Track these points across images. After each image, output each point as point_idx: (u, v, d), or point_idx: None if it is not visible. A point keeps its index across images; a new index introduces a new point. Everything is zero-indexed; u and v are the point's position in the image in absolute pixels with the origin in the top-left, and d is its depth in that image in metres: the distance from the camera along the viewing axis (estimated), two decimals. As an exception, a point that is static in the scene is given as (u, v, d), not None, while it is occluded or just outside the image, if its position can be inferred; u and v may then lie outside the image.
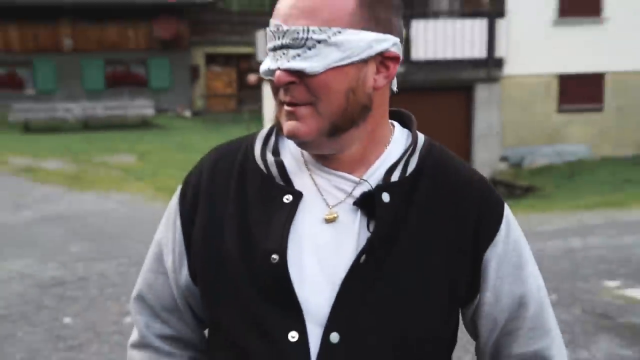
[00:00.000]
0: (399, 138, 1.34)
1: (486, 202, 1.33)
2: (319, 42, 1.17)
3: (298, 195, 1.26)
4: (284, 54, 1.20)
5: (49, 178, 14.87)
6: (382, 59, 1.23)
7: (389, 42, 1.23)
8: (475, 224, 1.30)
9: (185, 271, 1.37)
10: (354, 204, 1.26)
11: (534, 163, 15.05)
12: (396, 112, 1.39)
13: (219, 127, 23.35)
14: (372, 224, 1.25)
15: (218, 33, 28.16)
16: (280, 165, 1.30)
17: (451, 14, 15.37)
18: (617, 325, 6.03)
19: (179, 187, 1.41)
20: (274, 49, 1.22)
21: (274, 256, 1.22)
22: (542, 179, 13.71)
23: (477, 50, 14.18)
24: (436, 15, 15.08)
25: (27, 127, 23.14)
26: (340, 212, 1.26)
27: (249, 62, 24.13)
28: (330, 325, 1.22)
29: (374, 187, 1.27)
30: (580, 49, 15.50)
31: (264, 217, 1.27)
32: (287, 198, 1.26)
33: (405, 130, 1.37)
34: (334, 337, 1.21)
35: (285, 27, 1.19)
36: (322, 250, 1.25)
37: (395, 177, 1.28)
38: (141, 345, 1.44)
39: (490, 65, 14.15)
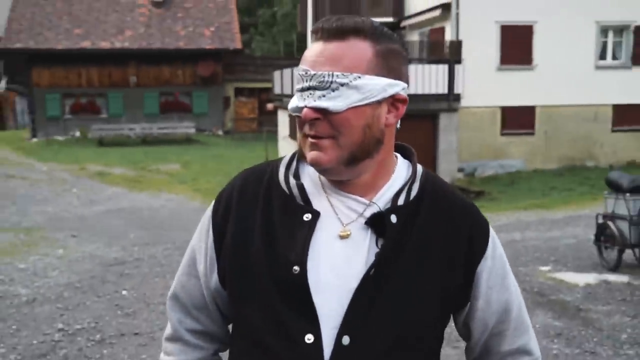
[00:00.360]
0: (401, 167, 1.23)
1: (476, 223, 1.22)
2: (341, 85, 1.08)
3: (316, 214, 1.15)
4: (310, 94, 1.10)
5: (115, 181, 14.73)
6: (393, 100, 1.14)
7: (399, 87, 1.13)
8: (468, 241, 1.19)
9: (215, 276, 1.23)
10: (365, 223, 1.15)
11: (483, 173, 14.97)
12: (399, 145, 1.26)
13: (244, 143, 23.37)
14: (380, 241, 1.14)
15: (245, 72, 28.25)
16: (301, 188, 1.18)
17: (421, 60, 15.21)
18: (549, 301, 5.85)
19: (212, 203, 1.27)
20: (302, 90, 1.12)
21: (296, 267, 1.11)
22: (490, 185, 13.59)
23: (440, 87, 14.09)
24: (410, 61, 14.89)
25: (101, 142, 23.08)
26: (353, 230, 1.15)
27: (267, 94, 24.15)
28: (343, 329, 1.10)
29: (382, 209, 1.15)
30: (517, 88, 15.40)
31: (287, 231, 1.15)
32: (307, 216, 1.14)
33: (406, 161, 1.25)
34: (346, 339, 1.10)
35: (312, 72, 1.10)
36: (336, 262, 1.13)
37: (401, 201, 1.16)
38: (174, 338, 1.30)
39: (450, 99, 14.03)
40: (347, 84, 1.07)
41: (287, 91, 16.37)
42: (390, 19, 19.04)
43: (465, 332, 1.27)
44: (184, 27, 27.01)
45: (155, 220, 10.17)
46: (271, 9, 38.78)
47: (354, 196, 1.16)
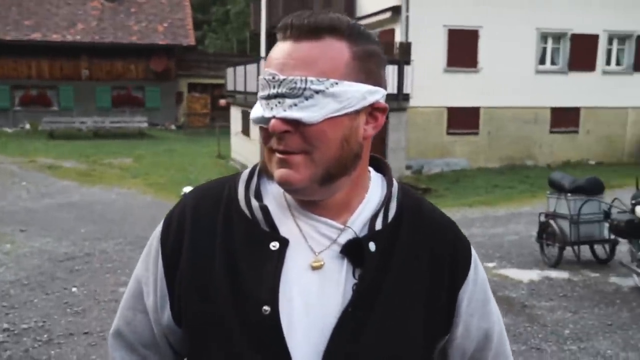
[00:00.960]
0: (375, 183, 1.04)
1: (458, 245, 1.06)
2: (316, 92, 0.89)
3: (284, 242, 0.95)
4: (279, 102, 0.90)
5: (66, 174, 14.17)
6: (372, 110, 0.95)
7: (379, 94, 0.95)
8: (450, 265, 1.03)
9: (167, 312, 1.03)
10: (341, 252, 0.96)
11: (430, 171, 15.05)
12: (370, 157, 1.06)
13: (197, 138, 22.89)
14: (357, 271, 0.95)
15: (198, 68, 27.83)
16: (265, 211, 0.97)
17: (371, 60, 15.21)
18: (496, 298, 5.83)
19: (159, 229, 1.05)
20: (268, 97, 0.91)
21: (266, 308, 0.92)
22: (436, 183, 13.65)
23: (390, 87, 14.05)
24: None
25: (52, 135, 22.19)
26: (326, 259, 0.96)
27: (220, 90, 23.78)
28: None
29: (358, 233, 0.97)
30: (462, 89, 15.52)
31: (252, 264, 0.95)
32: (274, 245, 0.95)
33: (379, 175, 1.07)
34: None
35: (281, 77, 0.90)
36: (309, 298, 0.94)
37: (379, 224, 0.98)
38: None
39: (399, 99, 14.01)
40: (323, 91, 0.89)
41: (240, 88, 16.11)
42: (341, 20, 18.97)
43: (441, 359, 1.11)
44: (137, 22, 26.40)
45: (106, 215, 9.79)
46: (224, 6, 38.24)
47: (325, 219, 0.97)
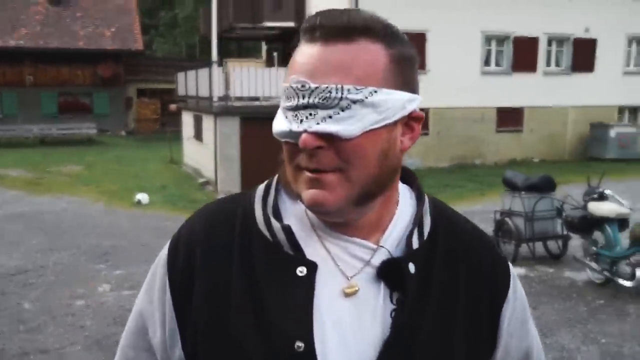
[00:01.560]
0: (405, 196, 0.93)
1: (497, 259, 0.95)
2: (354, 102, 0.77)
3: (312, 267, 0.83)
4: (311, 114, 0.78)
5: (12, 184, 13.55)
6: (408, 119, 0.84)
7: (417, 102, 0.84)
8: (489, 283, 0.92)
9: (178, 350, 0.88)
10: (377, 275, 0.84)
11: (383, 172, 15.08)
12: None
13: (147, 144, 22.39)
14: (395, 295, 0.84)
15: (147, 73, 27.23)
16: (288, 232, 0.85)
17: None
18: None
19: (164, 256, 0.91)
20: (296, 108, 0.79)
21: (299, 344, 0.79)
22: (389, 183, 13.67)
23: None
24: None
25: (-5, 143, 21.34)
26: (360, 284, 0.84)
27: (170, 95, 23.32)
28: None
29: (393, 253, 0.86)
30: (411, 91, 15.64)
31: (278, 292, 0.82)
32: (301, 271, 0.82)
33: (406, 186, 0.95)
34: None
35: (312, 85, 0.77)
36: (344, 329, 0.82)
37: (415, 243, 0.87)
38: None
39: (351, 102, 14.04)
40: (362, 100, 0.77)
41: (192, 92, 15.79)
42: (291, 24, 18.88)
43: None
44: (83, 27, 25.65)
45: (58, 225, 9.38)
46: (172, 11, 37.59)
47: (356, 239, 0.85)
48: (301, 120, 0.79)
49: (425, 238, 0.89)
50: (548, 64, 17.81)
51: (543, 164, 16.57)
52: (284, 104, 0.82)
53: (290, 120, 0.80)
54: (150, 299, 0.92)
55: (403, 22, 14.29)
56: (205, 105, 13.80)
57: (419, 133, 0.87)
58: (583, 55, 17.92)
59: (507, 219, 6.98)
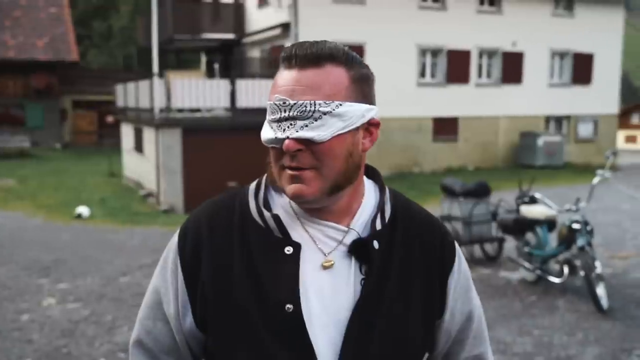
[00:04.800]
0: (369, 188, 1.16)
1: (445, 239, 1.18)
2: (324, 113, 1.00)
3: (297, 247, 1.06)
4: (291, 124, 1.01)
5: (-58, 199, 12.97)
6: (368, 125, 1.07)
7: (373, 111, 1.07)
8: (439, 256, 1.16)
9: (189, 318, 1.10)
10: (349, 251, 1.07)
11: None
12: None
13: (85, 157, 21.82)
14: (363, 267, 1.07)
15: (82, 85, 26.54)
16: (277, 220, 1.08)
17: (262, 76, 15.27)
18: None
19: (175, 242, 1.13)
20: (279, 120, 1.02)
21: (289, 306, 1.02)
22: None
23: (283, 101, 14.16)
24: (253, 76, 14.94)
25: None
26: (335, 259, 1.07)
27: (108, 107, 22.89)
28: None
29: (361, 234, 1.09)
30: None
31: (270, 267, 1.05)
32: (288, 250, 1.05)
33: (370, 181, 1.18)
34: None
35: (291, 101, 1.00)
36: (323, 294, 1.05)
37: (378, 225, 1.10)
38: None
39: (292, 113, 14.19)
40: (330, 112, 1.00)
41: (132, 104, 15.59)
42: (231, 36, 18.95)
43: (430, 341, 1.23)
44: (13, 37, 24.73)
45: (-6, 240, 9.09)
46: (106, 21, 36.81)
47: (330, 223, 1.08)
48: (284, 130, 1.01)
49: (386, 222, 1.11)
50: (480, 75, 18.59)
51: (477, 171, 17.23)
52: (269, 117, 1.04)
53: (275, 129, 1.02)
54: (164, 278, 1.13)
55: (342, 35, 14.62)
56: (147, 117, 13.67)
57: (377, 136, 1.09)
58: (512, 67, 18.81)
59: (446, 223, 7.30)
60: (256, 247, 1.06)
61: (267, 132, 1.04)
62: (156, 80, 13.03)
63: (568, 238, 5.90)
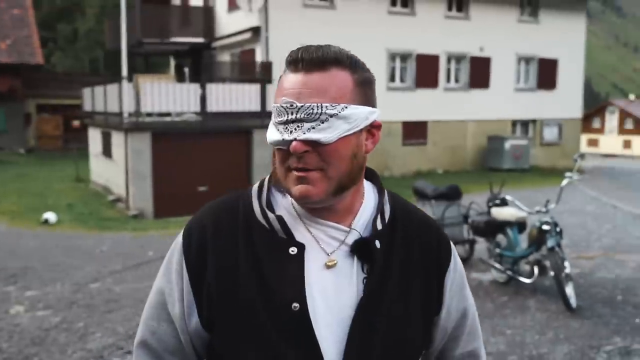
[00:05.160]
0: (369, 189, 1.19)
1: (441, 239, 1.22)
2: (331, 116, 1.02)
3: (301, 247, 1.08)
4: (298, 126, 1.03)
5: None
6: (370, 127, 1.10)
7: (376, 114, 1.10)
8: (437, 255, 1.19)
9: (195, 318, 1.10)
10: (351, 250, 1.09)
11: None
12: None
13: (50, 162, 21.36)
14: (365, 266, 1.09)
15: (47, 88, 25.96)
16: (281, 221, 1.09)
17: (233, 80, 15.21)
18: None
19: (179, 242, 1.14)
20: (286, 122, 1.04)
21: (295, 304, 1.04)
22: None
23: (253, 105, 14.15)
24: (223, 80, 14.86)
25: None
26: (338, 258, 1.09)
27: (73, 111, 22.51)
28: (346, 358, 1.05)
29: (362, 234, 1.11)
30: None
31: (276, 268, 1.07)
32: (293, 250, 1.07)
33: (369, 182, 1.21)
34: None
35: (298, 104, 1.02)
36: (327, 293, 1.07)
37: (379, 225, 1.13)
38: None
39: (263, 116, 14.14)
40: (336, 114, 1.02)
41: (100, 108, 15.36)
42: (201, 40, 18.82)
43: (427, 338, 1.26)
44: (-25, 39, 24.15)
45: (-43, 247, 8.85)
46: (72, 24, 36.18)
47: (332, 223, 1.10)
48: (291, 132, 1.02)
49: (386, 222, 1.14)
50: (448, 80, 18.85)
51: (446, 174, 17.45)
52: (275, 119, 1.06)
53: (281, 131, 1.04)
54: (168, 279, 1.13)
55: (312, 39, 14.60)
56: (115, 121, 13.49)
57: (379, 138, 1.12)
58: (479, 72, 19.13)
59: (418, 226, 7.38)
60: (261, 248, 1.07)
61: (273, 134, 1.06)
62: (125, 84, 12.87)
63: (538, 239, 6.02)
